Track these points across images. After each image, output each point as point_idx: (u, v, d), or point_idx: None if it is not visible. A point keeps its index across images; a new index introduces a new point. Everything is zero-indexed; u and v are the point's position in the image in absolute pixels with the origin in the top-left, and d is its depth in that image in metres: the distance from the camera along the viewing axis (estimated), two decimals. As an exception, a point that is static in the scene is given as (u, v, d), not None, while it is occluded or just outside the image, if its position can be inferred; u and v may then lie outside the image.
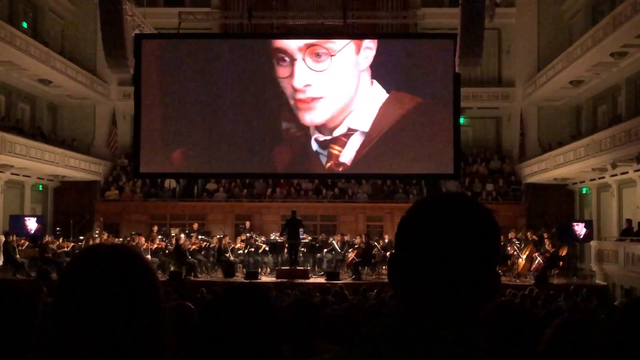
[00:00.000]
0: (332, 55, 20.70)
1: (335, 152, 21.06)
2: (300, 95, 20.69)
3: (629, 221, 19.67)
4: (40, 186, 25.88)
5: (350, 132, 20.82)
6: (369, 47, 20.71)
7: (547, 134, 27.49)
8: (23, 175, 23.66)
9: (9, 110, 24.65)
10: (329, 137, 20.86)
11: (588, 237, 20.70)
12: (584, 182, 24.66)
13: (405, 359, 1.25)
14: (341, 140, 20.82)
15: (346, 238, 21.32)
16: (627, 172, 20.56)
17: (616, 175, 21.36)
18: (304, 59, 20.73)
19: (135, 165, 22.23)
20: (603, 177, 22.38)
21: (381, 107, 20.66)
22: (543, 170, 24.53)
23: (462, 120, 24.27)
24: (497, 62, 28.87)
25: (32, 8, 26.08)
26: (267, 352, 1.90)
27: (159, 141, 21.62)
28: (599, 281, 19.58)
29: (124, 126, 28.16)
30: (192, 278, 18.81)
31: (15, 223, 20.68)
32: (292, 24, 25.49)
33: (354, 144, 20.77)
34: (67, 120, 29.01)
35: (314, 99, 20.72)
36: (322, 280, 18.54)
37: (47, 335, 1.41)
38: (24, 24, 25.00)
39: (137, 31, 22.19)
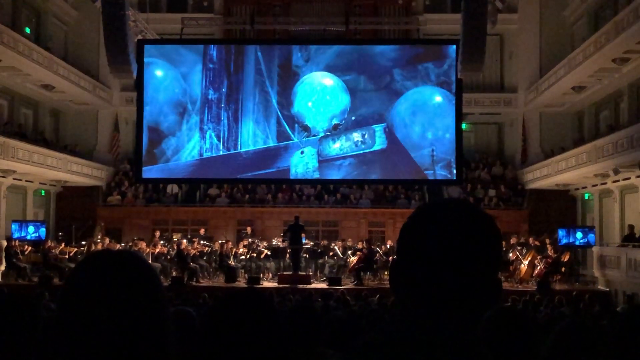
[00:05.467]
0: None
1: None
2: None
3: (631, 227, 19.65)
4: (43, 191, 25.90)
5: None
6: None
7: (549, 140, 27.47)
8: (25, 181, 23.66)
9: (11, 115, 24.68)
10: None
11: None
12: (586, 187, 24.63)
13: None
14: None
15: (348, 243, 21.30)
16: (629, 178, 20.53)
17: (618, 181, 21.34)
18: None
19: (137, 171, 22.28)
20: (605, 183, 22.36)
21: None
22: (545, 176, 24.50)
23: (464, 126, 24.31)
24: (499, 67, 28.87)
25: (35, 14, 26.13)
26: (270, 357, 1.91)
27: (161, 146, 21.70)
28: (601, 287, 19.53)
29: (127, 131, 28.19)
30: (194, 283, 18.81)
31: (18, 228, 20.69)
32: (294, 30, 25.53)
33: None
34: (69, 125, 29.02)
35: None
36: (324, 285, 18.52)
37: (51, 340, 1.41)
38: (27, 30, 25.06)
39: (139, 36, 22.27)
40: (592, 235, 20.60)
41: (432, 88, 21.57)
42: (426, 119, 21.60)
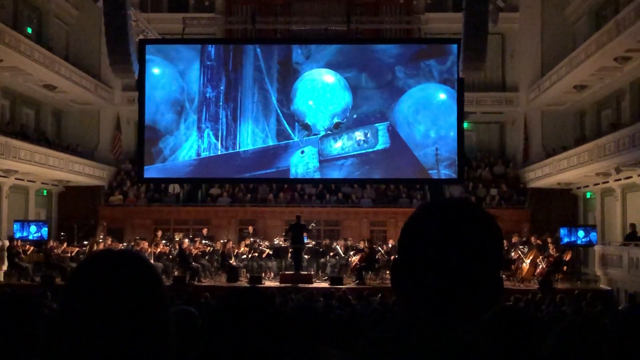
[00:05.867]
0: None
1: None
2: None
3: (633, 226, 19.63)
4: (45, 191, 25.92)
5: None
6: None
7: (551, 139, 27.45)
8: (27, 180, 23.68)
9: (13, 115, 24.70)
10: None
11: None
12: (587, 186, 24.61)
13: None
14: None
15: (350, 243, 21.30)
16: (631, 177, 20.52)
17: (620, 179, 21.31)
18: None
19: (139, 170, 22.29)
20: (607, 182, 22.33)
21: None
22: (547, 174, 24.48)
23: (466, 125, 24.29)
24: (501, 67, 28.86)
25: (36, 13, 26.15)
26: (271, 356, 1.91)
27: (159, 145, 21.70)
28: (603, 286, 19.52)
29: (128, 131, 28.20)
30: (195, 283, 18.82)
31: (20, 228, 20.71)
32: (295, 30, 25.52)
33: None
34: (71, 125, 29.05)
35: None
36: (325, 285, 18.52)
37: (53, 340, 1.41)
38: (29, 30, 25.08)
39: (141, 36, 22.27)
40: (594, 234, 20.59)
41: (435, 85, 21.53)
42: (430, 117, 21.54)
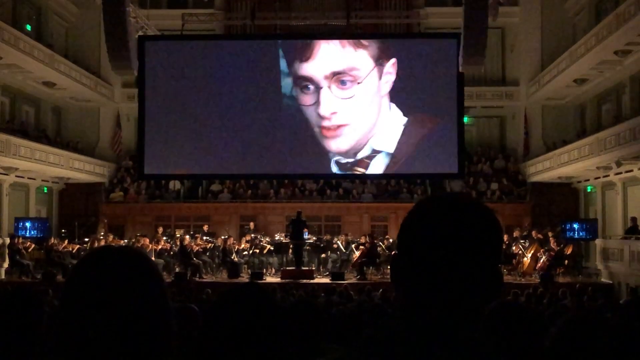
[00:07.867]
0: (358, 83, 20.87)
1: (358, 173, 21.86)
2: (326, 123, 20.98)
3: (633, 219, 19.63)
4: (45, 188, 25.93)
5: (373, 154, 21.11)
6: (389, 72, 20.89)
7: (552, 133, 27.43)
8: (28, 178, 23.68)
9: (13, 113, 24.70)
10: (351, 160, 21.26)
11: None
12: (588, 180, 24.60)
13: (409, 359, 1.25)
14: (364, 162, 21.24)
15: (351, 238, 21.30)
16: (631, 171, 20.51)
17: (621, 173, 21.31)
18: (329, 87, 20.94)
19: (139, 167, 22.28)
20: (608, 176, 22.33)
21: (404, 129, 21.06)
22: (547, 169, 24.48)
23: (466, 119, 24.26)
24: (501, 61, 28.82)
25: (36, 11, 26.13)
26: (271, 352, 1.91)
27: (163, 142, 21.67)
28: (604, 280, 19.53)
29: (128, 128, 28.18)
30: (197, 279, 18.85)
31: (21, 225, 20.72)
32: (295, 25, 25.49)
33: (378, 164, 21.20)
34: (71, 122, 29.04)
35: (339, 127, 21.01)
36: (327, 280, 18.54)
37: (54, 337, 1.42)
38: (28, 27, 25.06)
39: (140, 33, 22.23)
40: (595, 227, 20.59)
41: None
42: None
